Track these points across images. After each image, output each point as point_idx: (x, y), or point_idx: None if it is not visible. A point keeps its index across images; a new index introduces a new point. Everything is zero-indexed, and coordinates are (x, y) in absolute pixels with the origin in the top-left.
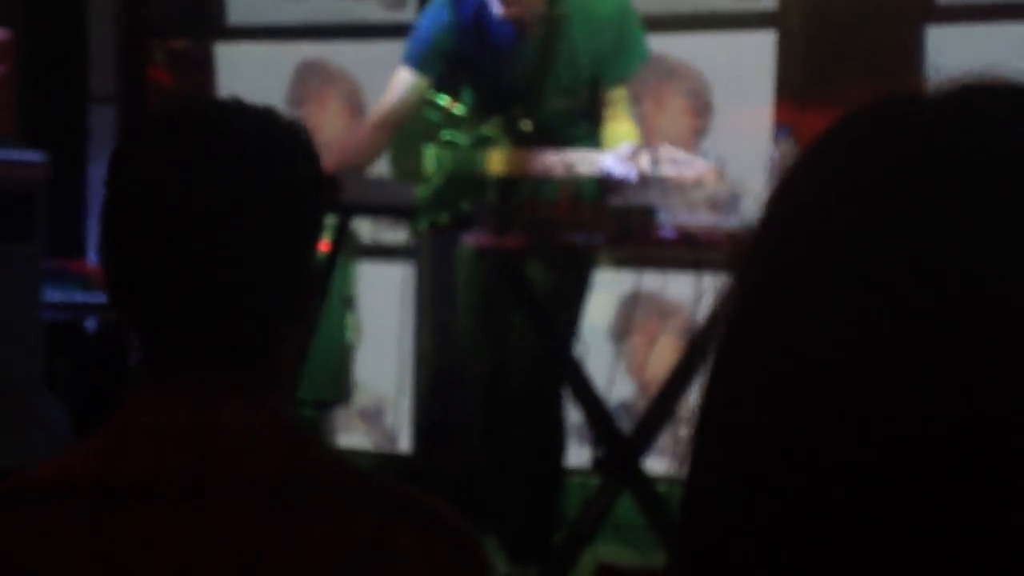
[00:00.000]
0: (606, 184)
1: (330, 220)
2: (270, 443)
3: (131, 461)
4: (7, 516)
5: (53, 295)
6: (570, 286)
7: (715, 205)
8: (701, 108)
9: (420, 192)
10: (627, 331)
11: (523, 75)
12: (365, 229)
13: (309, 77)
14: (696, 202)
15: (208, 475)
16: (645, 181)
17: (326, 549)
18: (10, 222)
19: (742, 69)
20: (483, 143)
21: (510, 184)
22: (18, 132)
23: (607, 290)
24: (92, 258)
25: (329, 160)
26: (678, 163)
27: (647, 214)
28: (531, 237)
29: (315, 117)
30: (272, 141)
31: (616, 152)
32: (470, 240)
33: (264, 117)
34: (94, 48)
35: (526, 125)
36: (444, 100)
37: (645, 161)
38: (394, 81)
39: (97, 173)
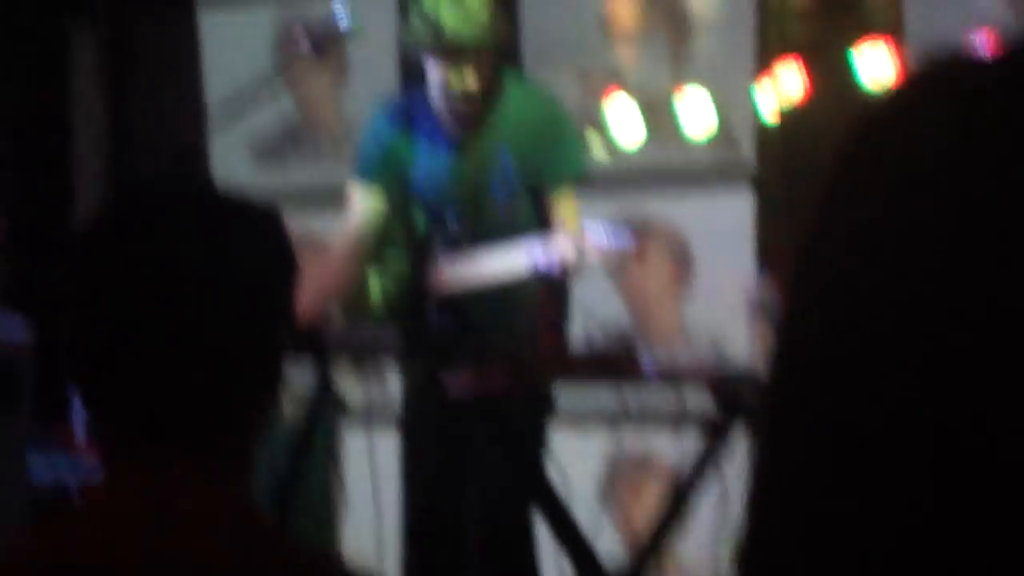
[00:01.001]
0: (541, 278)
1: (311, 369)
2: (230, 529)
3: (86, 546)
4: None
5: (38, 462)
6: (535, 417)
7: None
8: (682, 267)
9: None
10: (613, 491)
11: (462, 183)
12: (355, 394)
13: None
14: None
15: (165, 561)
16: (568, 270)
17: None
18: None
19: (722, 227)
20: (425, 260)
21: (451, 302)
22: (5, 296)
23: (591, 453)
24: (78, 424)
25: (309, 293)
26: (603, 245)
27: (629, 351)
28: (514, 380)
29: (304, 292)
30: (241, 225)
31: (543, 244)
32: (453, 387)
33: (235, 202)
34: (83, 216)
35: (467, 243)
36: (394, 231)
37: (569, 249)
38: (351, 199)
39: None
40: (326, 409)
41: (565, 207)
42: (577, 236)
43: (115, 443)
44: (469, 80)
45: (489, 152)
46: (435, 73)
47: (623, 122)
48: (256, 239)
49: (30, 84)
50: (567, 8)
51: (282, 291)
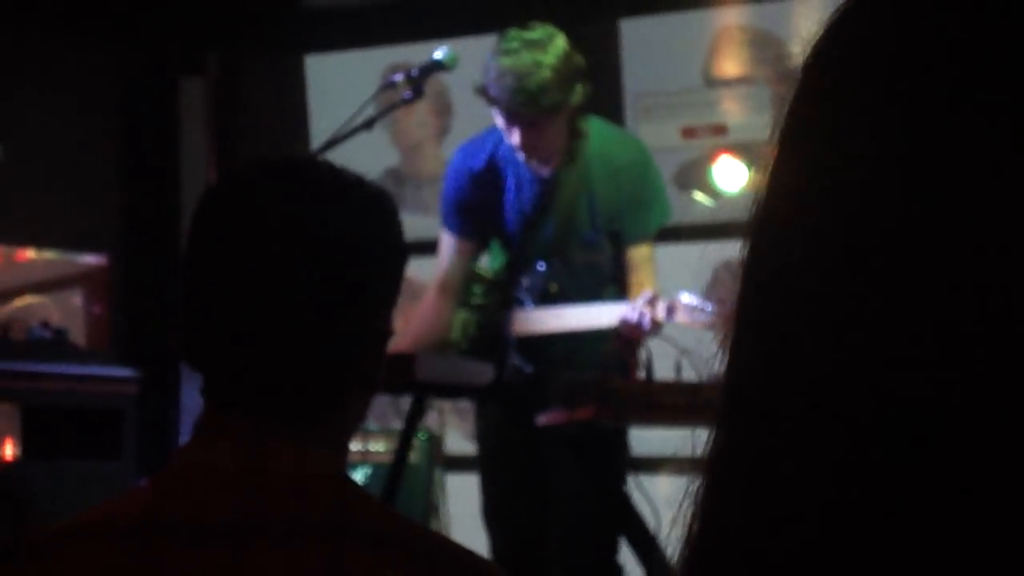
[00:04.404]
0: (622, 334)
1: (405, 402)
2: (322, 492)
3: (180, 502)
4: (57, 554)
5: None
6: (619, 446)
7: None
8: None
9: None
10: None
11: (547, 223)
12: (454, 441)
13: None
14: None
15: (256, 518)
16: (659, 328)
17: None
18: (99, 440)
19: None
20: (509, 304)
21: (533, 345)
22: (111, 349)
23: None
24: None
25: (406, 341)
26: (694, 310)
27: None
28: (603, 412)
29: (401, 338)
30: (355, 204)
31: (633, 302)
32: (542, 420)
33: (350, 181)
34: None
35: (553, 287)
36: (480, 267)
37: (660, 309)
38: (440, 246)
39: (189, 392)
40: (422, 449)
41: (645, 265)
42: (655, 294)
43: (216, 406)
44: (521, 140)
45: (577, 190)
46: (497, 121)
47: (726, 171)
48: (371, 218)
49: (139, 131)
50: (669, 62)
51: (391, 274)
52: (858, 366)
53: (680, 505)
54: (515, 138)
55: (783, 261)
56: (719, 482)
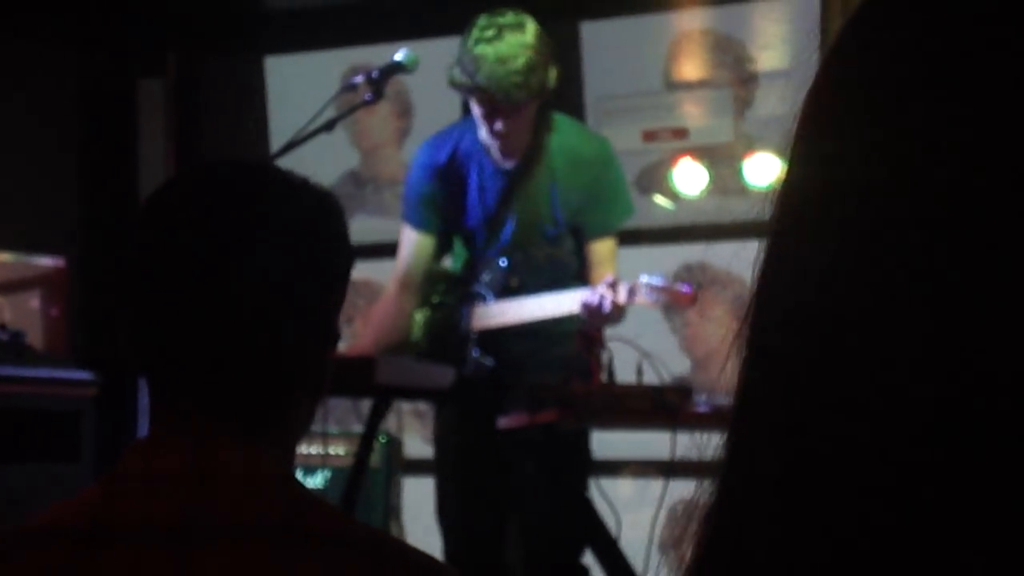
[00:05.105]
0: (584, 318)
1: (366, 405)
2: (271, 493)
3: (128, 504)
4: (4, 558)
5: None
6: (582, 449)
7: None
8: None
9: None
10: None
11: (509, 217)
12: (412, 444)
13: (356, 296)
14: None
15: (205, 520)
16: (620, 312)
17: None
18: (57, 442)
19: None
20: (471, 300)
21: (493, 342)
22: (69, 351)
23: (647, 500)
24: None
25: (367, 337)
26: (654, 290)
27: (683, 391)
28: (565, 415)
29: (362, 336)
30: (301, 207)
31: (595, 287)
32: (503, 423)
33: (296, 184)
34: None
35: (514, 281)
36: (443, 266)
37: (622, 292)
38: (401, 241)
39: (147, 394)
40: (382, 452)
41: (607, 261)
42: (617, 283)
43: (163, 407)
44: (504, 127)
45: (540, 183)
46: (475, 111)
47: (687, 175)
48: (318, 221)
49: (98, 133)
50: (630, 65)
51: (338, 276)
52: (889, 372)
53: (686, 508)
54: (497, 126)
55: (808, 260)
56: (730, 487)
